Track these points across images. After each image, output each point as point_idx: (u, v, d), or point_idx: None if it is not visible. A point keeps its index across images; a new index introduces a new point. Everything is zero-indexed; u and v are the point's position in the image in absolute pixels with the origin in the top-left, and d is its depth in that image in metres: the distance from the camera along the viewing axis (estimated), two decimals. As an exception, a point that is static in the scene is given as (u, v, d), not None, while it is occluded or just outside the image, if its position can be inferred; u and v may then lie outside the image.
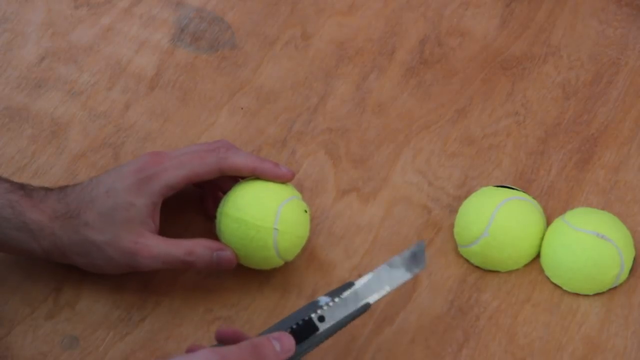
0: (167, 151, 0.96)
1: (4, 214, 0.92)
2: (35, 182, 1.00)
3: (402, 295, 0.96)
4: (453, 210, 1.00)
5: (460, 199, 1.01)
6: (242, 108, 1.09)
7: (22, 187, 0.94)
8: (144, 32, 1.15)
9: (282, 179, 0.95)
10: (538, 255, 0.98)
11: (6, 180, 0.94)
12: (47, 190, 0.95)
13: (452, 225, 0.99)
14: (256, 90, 1.10)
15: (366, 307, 0.87)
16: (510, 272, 0.97)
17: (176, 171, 0.93)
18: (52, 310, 0.96)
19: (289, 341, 0.83)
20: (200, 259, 0.92)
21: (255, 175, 0.95)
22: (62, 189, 0.95)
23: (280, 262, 0.95)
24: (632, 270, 0.96)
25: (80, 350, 0.93)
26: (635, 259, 0.97)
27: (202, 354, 0.79)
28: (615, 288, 0.96)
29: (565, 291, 0.96)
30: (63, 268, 0.97)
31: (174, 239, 0.93)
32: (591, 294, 0.96)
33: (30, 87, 1.11)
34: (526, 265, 0.98)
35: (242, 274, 0.97)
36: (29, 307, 0.96)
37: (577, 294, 0.96)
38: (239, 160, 0.95)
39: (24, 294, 0.97)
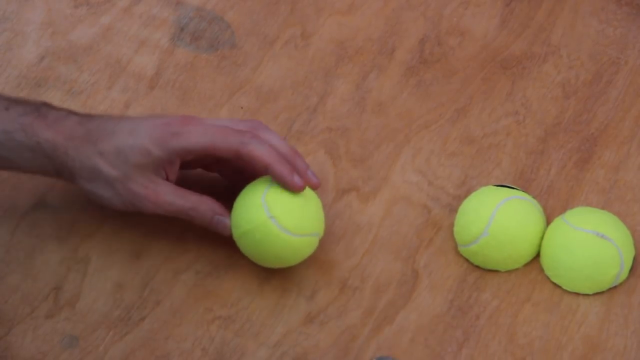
0: (201, 117, 0.96)
1: (17, 138, 0.92)
2: (35, 182, 1.00)
3: (402, 295, 0.96)
4: (453, 209, 1.00)
5: (460, 198, 1.01)
6: (242, 107, 1.09)
7: (38, 109, 0.94)
8: (143, 31, 1.15)
9: (292, 189, 0.93)
10: (538, 255, 0.98)
11: (21, 102, 0.95)
12: (70, 112, 0.95)
13: (451, 225, 0.99)
14: (256, 89, 1.10)
15: None
16: (510, 271, 0.97)
17: (198, 137, 0.93)
18: (52, 309, 0.96)
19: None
20: (201, 216, 0.94)
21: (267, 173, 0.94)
22: (88, 114, 0.96)
23: (309, 241, 0.94)
24: (631, 270, 0.96)
25: (80, 350, 0.93)
26: (635, 259, 0.97)
27: None
28: (615, 287, 0.96)
29: (565, 291, 0.96)
30: (63, 267, 0.97)
31: (183, 189, 0.94)
32: (591, 293, 0.96)
33: (30, 86, 1.10)
34: (526, 265, 0.98)
35: (242, 274, 0.97)
36: (28, 306, 0.96)
37: (577, 294, 0.96)
38: (257, 153, 0.93)
39: (23, 293, 0.96)
